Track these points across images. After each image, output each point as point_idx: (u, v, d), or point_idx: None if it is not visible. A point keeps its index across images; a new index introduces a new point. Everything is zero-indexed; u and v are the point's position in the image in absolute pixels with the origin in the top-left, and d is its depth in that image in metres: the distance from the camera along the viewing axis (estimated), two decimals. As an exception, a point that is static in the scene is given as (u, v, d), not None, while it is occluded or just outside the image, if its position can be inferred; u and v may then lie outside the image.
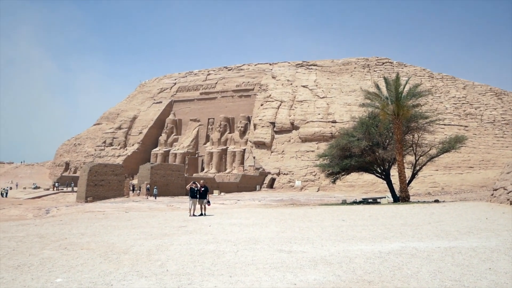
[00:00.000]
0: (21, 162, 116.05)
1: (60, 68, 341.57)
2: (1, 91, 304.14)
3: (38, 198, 50.34)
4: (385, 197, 32.61)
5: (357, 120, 33.45)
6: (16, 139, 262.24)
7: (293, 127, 69.74)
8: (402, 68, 77.41)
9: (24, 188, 67.03)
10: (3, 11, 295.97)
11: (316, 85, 76.08)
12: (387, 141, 31.09)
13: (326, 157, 33.36)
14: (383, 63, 79.85)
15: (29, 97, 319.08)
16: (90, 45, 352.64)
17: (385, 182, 32.69)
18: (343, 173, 32.70)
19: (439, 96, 69.04)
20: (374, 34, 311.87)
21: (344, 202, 31.85)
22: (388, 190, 33.41)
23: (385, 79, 30.27)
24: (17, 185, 73.43)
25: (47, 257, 8.81)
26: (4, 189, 54.11)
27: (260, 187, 64.53)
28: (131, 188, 52.55)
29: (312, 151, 64.65)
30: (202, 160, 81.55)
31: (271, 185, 65.41)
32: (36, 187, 65.15)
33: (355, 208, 22.35)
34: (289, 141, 69.00)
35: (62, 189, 60.10)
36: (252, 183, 63.71)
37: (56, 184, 62.02)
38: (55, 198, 49.81)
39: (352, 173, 34.98)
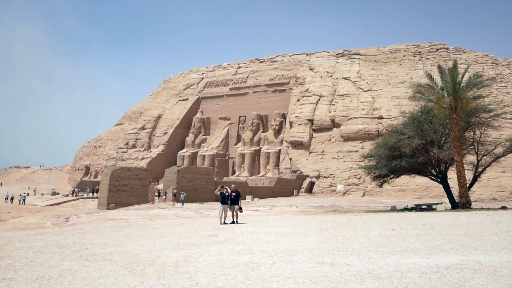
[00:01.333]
0: (40, 166, 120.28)
1: (78, 65, 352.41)
2: (18, 91, 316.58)
3: (56, 205, 52.07)
4: (441, 203, 31.95)
5: (408, 115, 32.86)
6: (34, 142, 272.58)
7: (334, 124, 69.22)
8: (460, 54, 75.32)
9: (42, 194, 69.46)
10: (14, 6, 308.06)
11: (360, 77, 75.18)
12: (443, 138, 30.36)
13: (372, 158, 32.99)
14: (437, 49, 77.94)
15: (46, 97, 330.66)
16: (110, 39, 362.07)
17: (441, 186, 31.99)
18: (391, 176, 32.27)
19: (505, 86, 66.67)
20: (426, 16, 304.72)
21: (393, 209, 31.36)
22: (445, 195, 32.65)
23: (440, 68, 29.49)
24: (34, 191, 76.12)
25: (67, 269, 9.04)
26: (21, 195, 56.22)
27: (298, 192, 64.33)
28: (157, 193, 53.47)
29: (356, 151, 64.05)
30: (233, 163, 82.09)
31: (309, 190, 65.17)
32: (55, 193, 67.36)
33: (407, 216, 21.91)
34: (330, 140, 68.51)
35: (82, 195, 61.92)
36: (288, 187, 63.57)
37: (76, 189, 63.95)
38: (74, 205, 51.34)
39: (402, 176, 34.56)
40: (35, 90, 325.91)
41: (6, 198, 56.92)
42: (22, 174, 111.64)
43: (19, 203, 53.42)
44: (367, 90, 71.60)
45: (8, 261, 10.12)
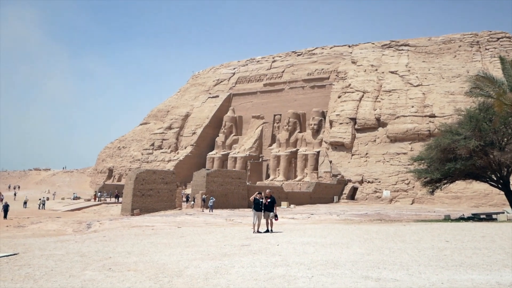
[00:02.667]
0: (63, 168, 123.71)
1: (99, 60, 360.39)
2: (36, 88, 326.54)
3: (78, 210, 53.47)
4: (503, 213, 31.34)
5: (464, 113, 32.16)
6: (54, 143, 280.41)
7: (380, 123, 68.59)
8: (524, 44, 73.32)
9: (63, 198, 71.45)
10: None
11: (409, 70, 74.21)
12: (505, 139, 29.65)
13: (423, 161, 32.56)
14: (498, 38, 76.03)
15: (65, 94, 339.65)
16: (135, 31, 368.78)
17: (502, 193, 31.28)
18: (445, 181, 31.81)
19: None
20: (484, 1, 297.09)
21: (447, 218, 30.86)
22: (507, 203, 31.97)
23: (502, 59, 28.81)
24: (54, 195, 78.24)
25: (89, 279, 9.24)
26: (41, 199, 57.88)
27: (339, 199, 64.06)
28: (184, 198, 54.13)
29: (404, 153, 63.33)
30: (267, 165, 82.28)
31: (352, 196, 64.85)
32: (76, 198, 69.12)
33: (463, 226, 21.54)
34: (375, 141, 67.91)
35: (105, 200, 63.30)
36: (328, 193, 63.35)
37: (98, 194, 65.41)
38: (97, 211, 52.55)
39: (457, 181, 34.20)
40: (55, 87, 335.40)
41: (25, 203, 58.75)
42: (42, 177, 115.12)
43: (39, 208, 55.04)
44: (417, 85, 70.55)
45: (27, 270, 10.43)
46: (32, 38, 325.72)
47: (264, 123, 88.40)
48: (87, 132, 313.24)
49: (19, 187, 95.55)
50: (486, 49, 74.89)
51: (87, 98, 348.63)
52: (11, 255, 13.20)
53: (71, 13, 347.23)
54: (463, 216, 33.07)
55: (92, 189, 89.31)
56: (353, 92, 74.47)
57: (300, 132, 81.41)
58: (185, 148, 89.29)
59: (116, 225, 28.49)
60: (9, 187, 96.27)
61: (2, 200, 63.34)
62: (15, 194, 77.33)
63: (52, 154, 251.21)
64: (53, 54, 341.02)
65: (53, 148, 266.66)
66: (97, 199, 63.08)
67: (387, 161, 65.31)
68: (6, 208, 41.39)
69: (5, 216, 40.17)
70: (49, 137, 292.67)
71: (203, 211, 42.83)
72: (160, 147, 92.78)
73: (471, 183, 41.32)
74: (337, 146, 70.56)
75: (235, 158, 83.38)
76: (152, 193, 44.92)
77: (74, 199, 68.25)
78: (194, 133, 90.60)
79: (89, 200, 64.61)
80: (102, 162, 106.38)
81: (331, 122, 73.20)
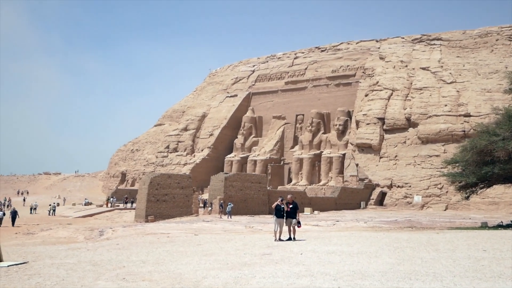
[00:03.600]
0: (75, 172, 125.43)
1: (109, 57, 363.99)
2: (45, 87, 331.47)
3: (89, 216, 54.15)
4: (545, 219, 30.62)
5: (502, 112, 31.72)
6: (65, 146, 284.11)
7: (410, 123, 68.15)
8: None
9: (74, 204, 72.37)
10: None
11: (441, 66, 73.59)
12: (548, 140, 29.06)
13: (457, 164, 32.15)
14: (539, 31, 74.98)
15: (77, 94, 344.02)
16: (147, 26, 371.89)
17: (545, 198, 30.72)
18: (481, 186, 31.38)
19: None
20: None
21: (484, 226, 30.46)
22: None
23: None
24: (64, 200, 79.29)
25: (103, 289, 9.35)
26: (51, 205, 58.78)
27: (366, 204, 63.80)
28: (202, 204, 54.29)
29: (437, 155, 62.82)
30: (289, 169, 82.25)
31: (380, 202, 64.62)
32: (88, 203, 69.96)
33: (502, 234, 21.32)
34: (405, 142, 67.47)
35: (118, 206, 63.92)
36: (355, 198, 63.18)
37: (111, 199, 66.07)
38: (109, 217, 53.13)
39: (495, 186, 33.57)
40: (65, 87, 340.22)
41: (33, 209, 59.74)
42: (52, 181, 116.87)
43: (49, 214, 55.90)
44: (451, 82, 69.86)
45: (38, 280, 10.60)
46: (31, 38, 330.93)
47: (285, 123, 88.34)
48: (99, 134, 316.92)
49: (27, 192, 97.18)
50: (526, 42, 74.03)
51: (100, 99, 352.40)
52: (20, 263, 13.42)
53: (80, 9, 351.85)
54: (501, 223, 32.59)
55: (104, 194, 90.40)
56: (381, 90, 74.05)
57: (324, 133, 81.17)
58: (202, 150, 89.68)
59: (129, 232, 28.76)
60: (18, 192, 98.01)
61: (10, 206, 64.56)
62: (24, 200, 78.69)
63: (63, 157, 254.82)
64: (61, 53, 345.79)
65: (64, 152, 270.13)
66: (109, 204, 63.73)
67: (418, 164, 64.77)
68: (14, 215, 41.95)
69: (13, 224, 40.71)
70: (60, 140, 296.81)
71: (221, 217, 42.96)
72: (175, 150, 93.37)
73: (510, 187, 40.75)
74: (364, 148, 70.19)
75: (255, 161, 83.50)
76: (167, 199, 45.20)
77: (85, 204, 69.06)
78: (211, 135, 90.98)
79: (101, 205, 65.29)
80: (115, 165, 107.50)
81: (357, 123, 72.86)
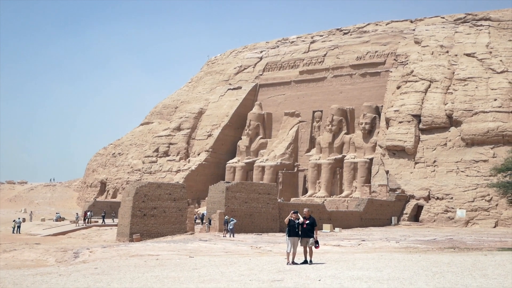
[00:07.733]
0: (50, 180, 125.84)
1: (84, 42, 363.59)
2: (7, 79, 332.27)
3: (62, 234, 54.34)
4: None
5: None
6: (30, 149, 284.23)
7: (452, 122, 68.00)
8: None
9: (43, 219, 72.35)
10: None
11: (490, 52, 73.36)
12: None
13: (509, 172, 32.03)
14: None
15: (46, 86, 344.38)
16: (131, 7, 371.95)
17: None
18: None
19: None
20: None
21: (543, 246, 30.31)
22: None
23: None
24: (31, 215, 79.28)
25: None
26: (15, 221, 58.71)
27: (398, 220, 63.72)
28: (198, 220, 54.25)
29: (485, 160, 62.57)
30: (304, 177, 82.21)
31: (415, 217, 64.60)
32: (59, 218, 70.00)
33: None
34: (445, 144, 67.29)
35: (96, 222, 63.98)
36: (384, 213, 63.15)
37: (88, 213, 66.11)
38: (86, 235, 53.22)
39: (556, 198, 33.27)
40: (32, 77, 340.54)
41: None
42: (17, 192, 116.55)
43: (13, 232, 55.91)
44: (502, 72, 69.62)
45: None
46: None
47: (300, 122, 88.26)
48: (73, 135, 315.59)
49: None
50: None
51: (73, 91, 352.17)
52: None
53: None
54: None
55: (80, 208, 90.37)
56: (416, 81, 73.88)
57: (347, 133, 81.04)
58: (199, 154, 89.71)
59: (110, 254, 28.77)
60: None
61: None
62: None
63: (30, 163, 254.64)
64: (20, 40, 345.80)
65: (31, 156, 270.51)
66: (86, 220, 63.74)
67: (462, 171, 64.49)
68: None
69: None
70: (24, 143, 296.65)
71: (224, 236, 42.78)
72: (166, 154, 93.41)
73: None
74: (396, 151, 70.01)
75: (263, 167, 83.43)
76: (156, 213, 45.21)
77: (56, 220, 69.11)
78: (210, 135, 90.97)
79: (75, 221, 65.27)
80: (93, 173, 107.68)
81: (387, 121, 72.72)
